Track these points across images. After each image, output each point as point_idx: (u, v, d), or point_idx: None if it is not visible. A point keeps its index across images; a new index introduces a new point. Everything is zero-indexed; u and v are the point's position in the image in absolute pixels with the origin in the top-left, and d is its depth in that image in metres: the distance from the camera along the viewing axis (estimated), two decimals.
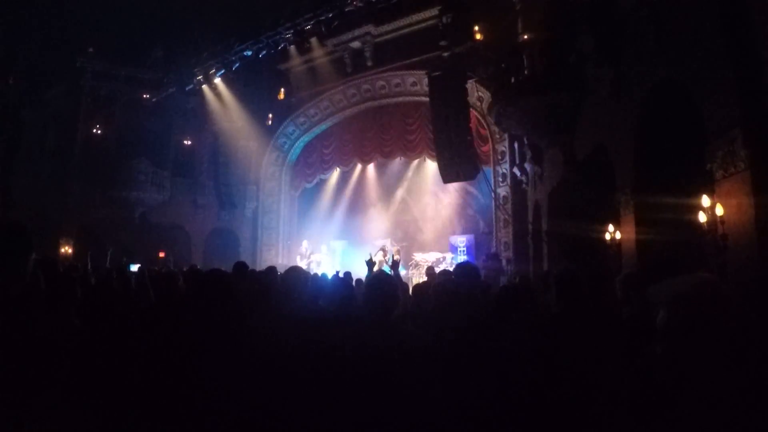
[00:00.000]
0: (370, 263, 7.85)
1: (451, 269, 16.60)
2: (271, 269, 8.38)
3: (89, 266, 14.68)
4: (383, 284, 4.20)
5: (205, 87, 27.34)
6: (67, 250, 25.88)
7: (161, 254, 27.37)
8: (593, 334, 4.59)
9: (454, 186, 24.21)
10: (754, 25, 6.48)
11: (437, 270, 14.21)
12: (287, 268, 5.85)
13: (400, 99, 26.19)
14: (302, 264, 24.44)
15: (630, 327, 4.65)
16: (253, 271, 9.15)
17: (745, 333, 1.96)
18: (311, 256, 26.34)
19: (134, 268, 14.61)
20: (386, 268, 15.42)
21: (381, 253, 22.23)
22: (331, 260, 26.33)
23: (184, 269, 12.60)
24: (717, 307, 1.94)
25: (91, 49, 28.19)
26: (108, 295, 6.46)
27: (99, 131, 28.63)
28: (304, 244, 27.21)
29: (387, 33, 24.87)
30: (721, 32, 6.94)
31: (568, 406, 4.22)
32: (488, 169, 22.23)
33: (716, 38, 7.06)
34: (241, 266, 8.49)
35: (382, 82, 26.11)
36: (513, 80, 14.52)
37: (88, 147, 28.12)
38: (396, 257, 19.49)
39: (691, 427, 1.91)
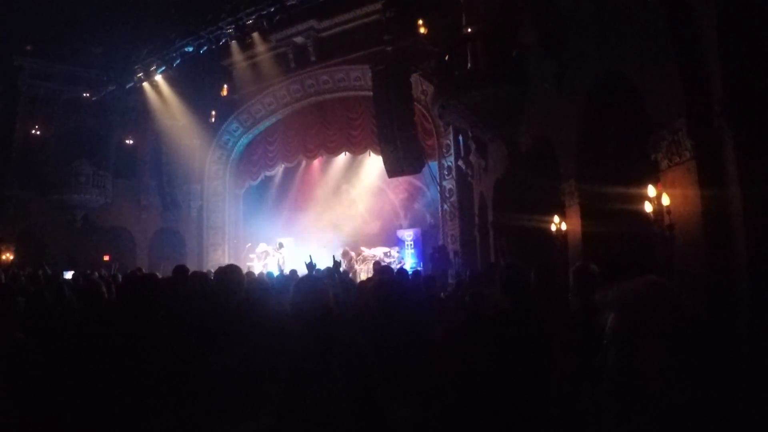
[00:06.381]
0: (311, 266, 7.65)
1: (393, 266, 16.52)
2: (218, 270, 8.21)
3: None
4: (311, 288, 4.04)
5: (146, 84, 26.84)
6: (8, 256, 25.08)
7: (106, 258, 26.81)
8: (543, 330, 4.55)
9: (399, 180, 24.25)
10: (696, 16, 6.53)
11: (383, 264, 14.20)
12: (225, 266, 5.76)
13: (344, 94, 26.10)
14: (259, 265, 24.36)
15: (578, 321, 4.63)
16: (195, 273, 8.93)
17: (694, 335, 1.95)
18: (268, 258, 26.01)
19: (68, 275, 14.16)
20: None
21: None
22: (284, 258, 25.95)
23: (128, 272, 12.37)
24: (666, 311, 1.94)
25: (29, 47, 27.38)
26: (42, 306, 6.18)
27: (38, 132, 27.90)
28: (263, 246, 26.93)
29: (330, 28, 24.77)
30: (665, 23, 6.99)
31: (519, 405, 4.17)
32: (433, 163, 22.30)
33: (659, 29, 7.10)
34: (181, 270, 8.30)
35: (325, 77, 25.96)
36: (456, 74, 14.49)
37: (27, 149, 27.34)
38: (338, 259, 19.11)
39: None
